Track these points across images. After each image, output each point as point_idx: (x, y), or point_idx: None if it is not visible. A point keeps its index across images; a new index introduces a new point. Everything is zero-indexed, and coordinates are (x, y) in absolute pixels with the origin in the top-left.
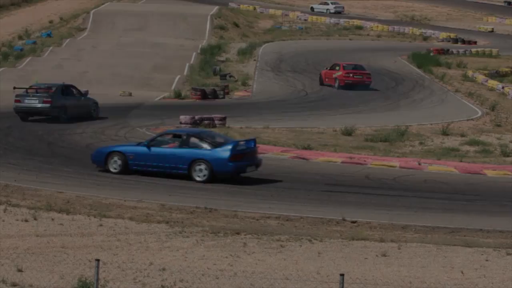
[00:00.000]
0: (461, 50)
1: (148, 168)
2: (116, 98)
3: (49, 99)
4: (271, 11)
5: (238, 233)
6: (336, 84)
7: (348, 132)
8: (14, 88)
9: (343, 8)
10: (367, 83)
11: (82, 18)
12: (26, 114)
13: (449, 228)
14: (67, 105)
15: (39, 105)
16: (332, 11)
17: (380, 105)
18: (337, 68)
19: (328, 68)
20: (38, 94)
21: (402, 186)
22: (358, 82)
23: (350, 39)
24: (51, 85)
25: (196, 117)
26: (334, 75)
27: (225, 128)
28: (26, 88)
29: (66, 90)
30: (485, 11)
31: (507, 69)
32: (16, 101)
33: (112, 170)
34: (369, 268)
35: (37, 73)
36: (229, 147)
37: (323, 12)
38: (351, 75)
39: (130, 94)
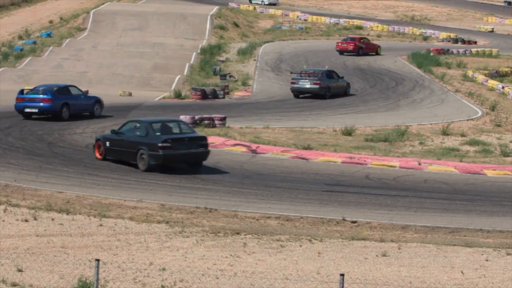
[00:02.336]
0: (461, 50)
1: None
2: (116, 98)
3: (318, 82)
4: (271, 11)
5: (238, 233)
6: None
7: (348, 132)
8: (291, 72)
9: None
10: None
11: (82, 18)
12: (298, 93)
13: (449, 228)
14: (330, 86)
15: (310, 86)
16: (266, 2)
17: (380, 105)
18: None
19: None
20: (309, 77)
21: (402, 186)
22: None
23: None
24: (319, 70)
25: (196, 117)
26: None
27: (225, 128)
28: (299, 73)
29: (329, 74)
30: (485, 11)
31: (507, 69)
32: (292, 82)
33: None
34: (369, 268)
35: (37, 73)
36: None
37: (259, 3)
38: None
39: (130, 94)
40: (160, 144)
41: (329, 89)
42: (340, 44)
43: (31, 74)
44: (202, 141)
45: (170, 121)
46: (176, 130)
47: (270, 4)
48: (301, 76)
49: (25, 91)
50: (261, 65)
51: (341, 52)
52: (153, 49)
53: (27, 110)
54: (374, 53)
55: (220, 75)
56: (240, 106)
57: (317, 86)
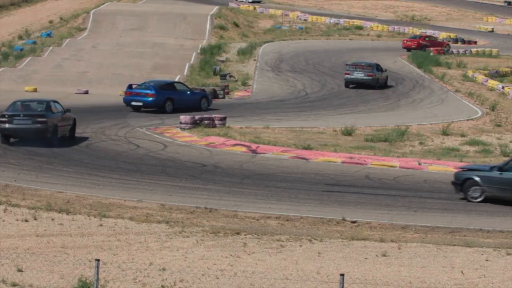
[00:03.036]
0: (461, 50)
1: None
2: (116, 98)
3: (371, 73)
4: (271, 11)
5: (238, 233)
6: None
7: (348, 132)
8: (346, 64)
9: None
10: None
11: (82, 18)
12: (351, 83)
13: (449, 228)
14: (379, 78)
15: (363, 77)
16: (250, 0)
17: (380, 105)
18: None
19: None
20: (363, 69)
21: (402, 186)
22: None
23: (350, 39)
24: (369, 63)
25: (196, 117)
26: None
27: (225, 128)
28: (354, 65)
29: (377, 67)
30: (485, 11)
31: (507, 69)
32: (346, 73)
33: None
34: (369, 268)
35: (37, 73)
36: None
37: (243, 1)
38: None
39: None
40: None
41: (377, 80)
42: (405, 41)
43: (31, 74)
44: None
45: None
46: None
47: (253, 2)
48: (355, 68)
49: (133, 86)
50: (261, 65)
51: (408, 49)
52: (153, 49)
53: (134, 103)
54: (441, 50)
55: (220, 75)
56: (240, 106)
57: (369, 78)
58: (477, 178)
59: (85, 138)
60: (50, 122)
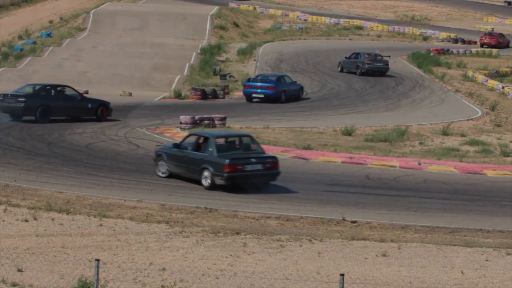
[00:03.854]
0: (461, 50)
1: None
2: (116, 98)
3: (386, 62)
4: (271, 11)
5: (238, 233)
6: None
7: (348, 132)
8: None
9: None
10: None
11: (82, 18)
12: (371, 71)
13: (449, 228)
14: (388, 67)
15: (381, 66)
16: None
17: (380, 105)
18: None
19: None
20: (381, 60)
21: (402, 186)
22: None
23: (350, 39)
24: (376, 53)
25: (196, 117)
26: None
27: (225, 128)
28: (374, 56)
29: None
30: (485, 11)
31: (507, 69)
32: (367, 63)
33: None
34: (369, 268)
35: (37, 73)
36: None
37: None
38: None
39: (130, 94)
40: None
41: (388, 69)
42: (483, 38)
43: (31, 74)
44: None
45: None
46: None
47: None
48: (375, 59)
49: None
50: (261, 65)
51: (484, 45)
52: (153, 49)
53: (255, 95)
54: (506, 47)
55: (220, 75)
56: (240, 106)
57: (386, 67)
58: (163, 154)
59: (85, 138)
60: None
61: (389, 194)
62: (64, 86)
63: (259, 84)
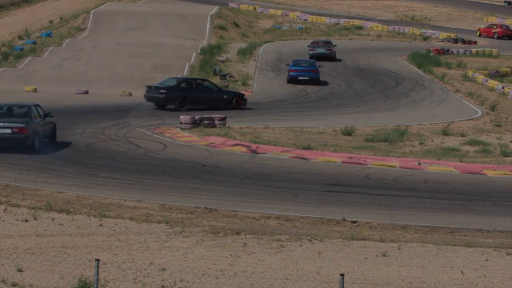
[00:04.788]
0: (461, 50)
1: None
2: (116, 98)
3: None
4: (271, 11)
5: (238, 233)
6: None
7: (348, 132)
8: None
9: None
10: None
11: (82, 18)
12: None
13: (449, 228)
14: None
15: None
16: None
17: (380, 105)
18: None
19: None
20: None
21: (402, 186)
22: None
23: (350, 39)
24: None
25: (196, 117)
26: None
27: (225, 128)
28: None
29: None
30: (485, 11)
31: (507, 69)
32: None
33: None
34: (369, 268)
35: (37, 73)
36: None
37: None
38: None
39: (130, 94)
40: None
41: (332, 54)
42: (493, 30)
43: (31, 74)
44: None
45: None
46: None
47: None
48: (317, 45)
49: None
50: (261, 65)
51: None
52: (153, 49)
53: (300, 78)
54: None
55: (220, 75)
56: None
57: (329, 51)
58: None
59: (85, 138)
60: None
61: (389, 194)
62: (203, 80)
63: (304, 68)
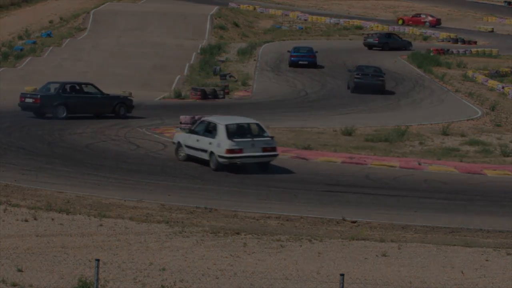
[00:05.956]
0: (461, 50)
1: None
2: None
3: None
4: (271, 11)
5: (238, 233)
6: None
7: (348, 132)
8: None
9: None
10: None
11: (82, 18)
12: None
13: (449, 228)
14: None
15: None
16: None
17: (380, 105)
18: None
19: None
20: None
21: (402, 186)
22: None
23: (350, 39)
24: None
25: (196, 117)
26: None
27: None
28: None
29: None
30: (485, 11)
31: (507, 69)
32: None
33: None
34: (369, 268)
35: (37, 73)
36: None
37: None
38: None
39: (130, 94)
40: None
41: (312, 61)
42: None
43: (31, 74)
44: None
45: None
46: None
47: None
48: (299, 51)
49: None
50: (261, 65)
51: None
52: (153, 49)
53: (301, 62)
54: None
55: (220, 75)
56: (240, 106)
57: (311, 59)
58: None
59: (85, 138)
60: None
61: (389, 194)
62: (87, 84)
63: (303, 54)
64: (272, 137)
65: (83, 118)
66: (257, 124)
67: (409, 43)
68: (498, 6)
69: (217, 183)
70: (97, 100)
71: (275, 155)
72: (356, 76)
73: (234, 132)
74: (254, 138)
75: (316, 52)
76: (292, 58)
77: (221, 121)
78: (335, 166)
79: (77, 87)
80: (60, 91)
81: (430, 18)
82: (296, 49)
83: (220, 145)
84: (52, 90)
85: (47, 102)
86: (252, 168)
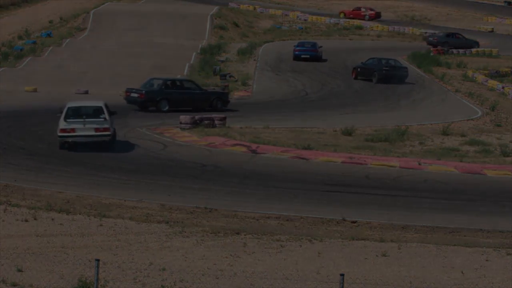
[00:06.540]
0: (461, 50)
1: None
2: (116, 98)
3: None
4: (271, 11)
5: (238, 233)
6: None
7: (348, 132)
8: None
9: None
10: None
11: (82, 18)
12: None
13: (449, 228)
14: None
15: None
16: None
17: (380, 105)
18: None
19: None
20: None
21: (402, 186)
22: None
23: (350, 39)
24: (312, 42)
25: (196, 117)
26: None
27: (225, 128)
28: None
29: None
30: (485, 11)
31: (507, 69)
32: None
33: None
34: (369, 268)
35: (37, 73)
36: None
37: None
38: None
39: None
40: None
41: (315, 54)
42: None
43: (31, 74)
44: None
45: None
46: None
47: None
48: (303, 45)
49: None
50: (261, 65)
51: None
52: (153, 49)
53: (303, 56)
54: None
55: (220, 75)
56: (240, 106)
57: (314, 52)
58: None
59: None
60: None
61: (389, 194)
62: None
63: (306, 48)
64: (105, 119)
65: None
66: (99, 107)
67: (476, 43)
68: (498, 6)
69: (217, 183)
70: (196, 95)
71: (107, 135)
72: (384, 68)
73: (73, 113)
74: (87, 119)
75: (320, 47)
76: (295, 52)
77: (69, 104)
78: (335, 166)
79: (178, 83)
80: (163, 87)
81: (369, 12)
82: (301, 44)
83: (58, 125)
84: (155, 86)
85: (151, 97)
86: (88, 147)
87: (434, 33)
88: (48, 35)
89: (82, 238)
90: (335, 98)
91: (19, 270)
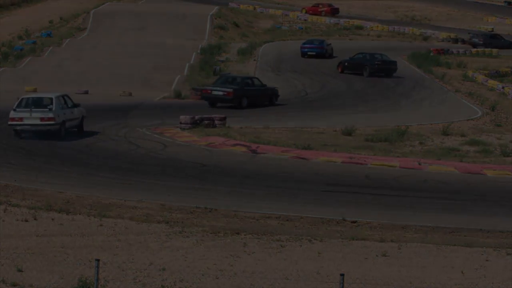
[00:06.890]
0: (461, 50)
1: None
2: (116, 98)
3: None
4: (271, 11)
5: (238, 233)
6: None
7: (348, 132)
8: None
9: None
10: None
11: (82, 18)
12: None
13: (449, 228)
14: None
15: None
16: None
17: (380, 105)
18: None
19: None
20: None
21: (402, 186)
22: None
23: (350, 39)
24: (320, 40)
25: (196, 117)
26: None
27: (225, 128)
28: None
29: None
30: (485, 11)
31: (507, 69)
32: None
33: None
34: (369, 268)
35: (37, 73)
36: None
37: None
38: None
39: (130, 94)
40: None
41: (321, 52)
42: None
43: (31, 74)
44: None
45: None
46: None
47: None
48: (312, 42)
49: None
50: (261, 65)
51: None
52: (153, 49)
53: (309, 53)
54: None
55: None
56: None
57: (320, 49)
58: None
59: (88, 137)
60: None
61: (389, 194)
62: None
63: (315, 45)
64: (51, 109)
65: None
66: (50, 98)
67: (511, 43)
68: (498, 6)
69: (217, 183)
70: (262, 91)
71: (52, 125)
72: (377, 62)
73: (24, 103)
74: (33, 109)
75: (329, 44)
76: (302, 49)
77: (23, 96)
78: (335, 166)
79: (251, 81)
80: (243, 84)
81: (325, 8)
82: (309, 41)
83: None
84: (234, 84)
85: (238, 95)
86: (36, 135)
87: (477, 34)
88: (48, 35)
89: (82, 238)
90: (335, 98)
91: (19, 270)
